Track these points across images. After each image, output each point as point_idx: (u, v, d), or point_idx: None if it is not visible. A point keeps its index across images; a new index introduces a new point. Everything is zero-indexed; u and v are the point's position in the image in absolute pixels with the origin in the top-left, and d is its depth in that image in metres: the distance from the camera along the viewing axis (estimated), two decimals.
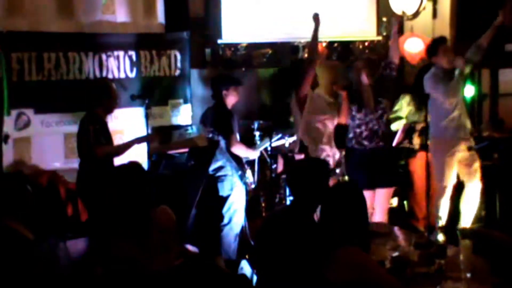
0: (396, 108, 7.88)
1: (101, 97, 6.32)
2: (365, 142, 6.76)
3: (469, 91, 8.24)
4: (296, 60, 8.15)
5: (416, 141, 7.75)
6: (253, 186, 7.24)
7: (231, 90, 7.11)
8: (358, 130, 6.77)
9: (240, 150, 7.07)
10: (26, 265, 3.89)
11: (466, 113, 7.23)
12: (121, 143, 6.63)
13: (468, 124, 7.19)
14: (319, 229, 4.29)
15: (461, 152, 7.09)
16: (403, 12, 8.64)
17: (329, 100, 7.03)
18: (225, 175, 7.08)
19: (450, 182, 7.11)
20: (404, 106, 7.88)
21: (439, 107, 7.04)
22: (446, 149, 7.09)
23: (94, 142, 6.12)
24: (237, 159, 7.08)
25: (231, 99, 7.13)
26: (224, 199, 7.12)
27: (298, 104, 6.84)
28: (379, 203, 6.78)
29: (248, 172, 7.22)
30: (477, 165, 7.15)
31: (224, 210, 7.11)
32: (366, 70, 6.79)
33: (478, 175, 7.15)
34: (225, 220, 7.12)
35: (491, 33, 7.01)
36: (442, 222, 6.14)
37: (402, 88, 8.75)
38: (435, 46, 7.22)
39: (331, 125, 6.94)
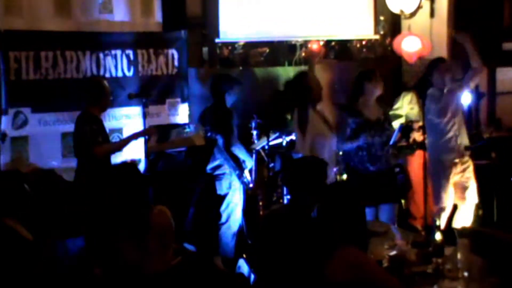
0: (396, 106, 7.88)
1: (94, 96, 6.31)
2: (368, 165, 6.71)
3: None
4: (299, 74, 7.87)
5: (414, 139, 7.75)
6: (250, 185, 7.24)
7: (233, 89, 7.12)
8: (360, 153, 6.72)
9: (238, 150, 7.07)
10: (24, 264, 3.88)
11: (464, 132, 7.18)
12: (119, 140, 6.62)
13: (465, 142, 7.14)
14: (317, 228, 4.29)
15: (456, 174, 7.09)
16: (401, 11, 8.64)
17: (328, 118, 6.83)
18: (223, 174, 7.08)
19: (447, 203, 7.11)
20: (405, 104, 7.87)
21: (435, 127, 7.05)
22: (442, 171, 7.09)
23: (92, 142, 6.11)
24: (235, 158, 7.08)
25: (231, 99, 7.14)
26: (222, 198, 7.12)
27: (298, 123, 6.68)
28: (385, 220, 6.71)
29: (246, 171, 7.22)
30: (472, 187, 7.12)
31: (222, 208, 7.12)
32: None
33: (471, 199, 7.13)
34: (223, 219, 7.12)
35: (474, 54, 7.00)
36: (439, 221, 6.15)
37: (401, 86, 8.78)
38: (432, 66, 7.24)
39: (330, 145, 6.74)
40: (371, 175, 6.64)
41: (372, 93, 6.72)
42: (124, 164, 4.46)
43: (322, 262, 3.74)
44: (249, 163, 7.21)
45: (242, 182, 7.11)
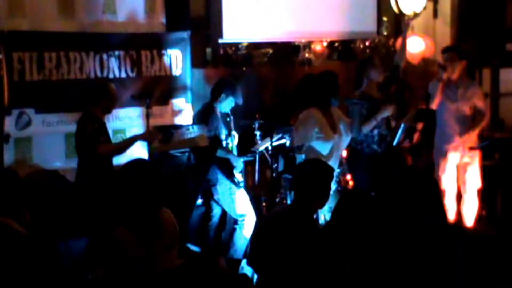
0: None
1: (99, 98, 6.31)
2: (375, 146, 6.80)
3: None
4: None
5: (417, 139, 7.76)
6: (241, 185, 7.21)
7: (231, 95, 7.11)
8: (370, 134, 6.80)
9: (220, 151, 7.04)
10: (19, 257, 3.85)
11: (456, 113, 7.17)
12: (122, 140, 6.62)
13: (464, 127, 7.12)
14: (319, 231, 4.30)
15: (456, 156, 7.10)
16: (414, 12, 8.65)
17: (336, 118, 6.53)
18: (215, 179, 7.07)
19: (447, 184, 7.13)
20: None
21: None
22: (439, 152, 7.16)
23: (94, 140, 6.11)
24: (224, 160, 7.07)
25: (228, 104, 7.14)
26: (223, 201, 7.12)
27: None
28: None
29: (236, 172, 7.17)
30: (471, 172, 7.13)
31: (231, 211, 7.11)
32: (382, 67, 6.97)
33: (473, 182, 7.14)
34: (238, 219, 7.11)
35: None
36: None
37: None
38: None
39: (334, 146, 6.46)
40: (377, 156, 6.74)
41: (376, 78, 6.99)
42: (138, 160, 4.39)
43: (324, 263, 3.74)
44: (236, 162, 7.18)
45: (232, 182, 7.11)
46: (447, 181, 7.11)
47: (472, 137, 7.12)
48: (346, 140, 6.51)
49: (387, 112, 6.87)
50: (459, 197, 7.22)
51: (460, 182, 7.17)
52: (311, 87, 6.37)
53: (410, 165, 6.79)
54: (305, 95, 6.35)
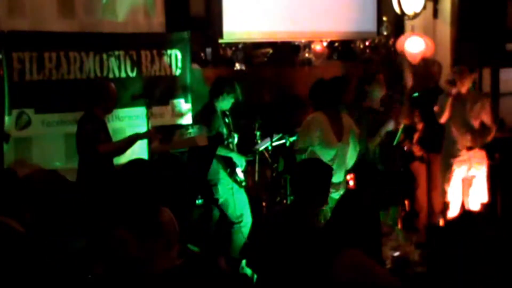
0: None
1: (99, 98, 6.32)
2: (379, 166, 6.83)
3: None
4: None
5: (416, 139, 7.77)
6: (243, 184, 7.22)
7: (231, 93, 7.13)
8: (375, 152, 6.85)
9: (223, 150, 7.04)
10: (19, 258, 3.85)
11: (465, 127, 7.15)
12: (121, 139, 6.61)
13: (472, 141, 7.10)
14: (319, 231, 4.30)
15: (462, 170, 7.08)
16: (414, 12, 8.66)
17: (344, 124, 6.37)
18: (217, 178, 7.07)
19: (452, 197, 7.10)
20: None
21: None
22: (446, 165, 7.15)
23: (95, 139, 6.11)
24: (225, 158, 7.08)
25: (227, 102, 7.15)
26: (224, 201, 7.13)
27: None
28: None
29: (238, 170, 7.18)
30: (476, 185, 7.11)
31: (230, 211, 7.11)
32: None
33: (478, 197, 7.12)
34: (235, 220, 7.12)
35: None
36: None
37: (403, 87, 8.78)
38: None
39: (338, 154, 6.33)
40: (380, 177, 6.73)
41: (379, 95, 7.13)
42: (138, 160, 4.39)
43: (327, 263, 3.74)
44: (239, 161, 7.18)
45: (234, 181, 7.11)
46: (452, 193, 7.10)
47: (480, 152, 7.12)
48: (353, 151, 6.35)
49: (390, 126, 6.90)
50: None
51: (464, 195, 7.13)
52: (320, 91, 6.35)
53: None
54: (314, 100, 6.34)
